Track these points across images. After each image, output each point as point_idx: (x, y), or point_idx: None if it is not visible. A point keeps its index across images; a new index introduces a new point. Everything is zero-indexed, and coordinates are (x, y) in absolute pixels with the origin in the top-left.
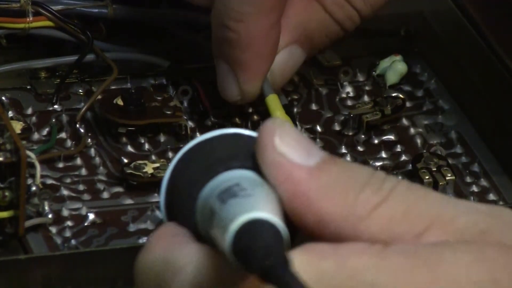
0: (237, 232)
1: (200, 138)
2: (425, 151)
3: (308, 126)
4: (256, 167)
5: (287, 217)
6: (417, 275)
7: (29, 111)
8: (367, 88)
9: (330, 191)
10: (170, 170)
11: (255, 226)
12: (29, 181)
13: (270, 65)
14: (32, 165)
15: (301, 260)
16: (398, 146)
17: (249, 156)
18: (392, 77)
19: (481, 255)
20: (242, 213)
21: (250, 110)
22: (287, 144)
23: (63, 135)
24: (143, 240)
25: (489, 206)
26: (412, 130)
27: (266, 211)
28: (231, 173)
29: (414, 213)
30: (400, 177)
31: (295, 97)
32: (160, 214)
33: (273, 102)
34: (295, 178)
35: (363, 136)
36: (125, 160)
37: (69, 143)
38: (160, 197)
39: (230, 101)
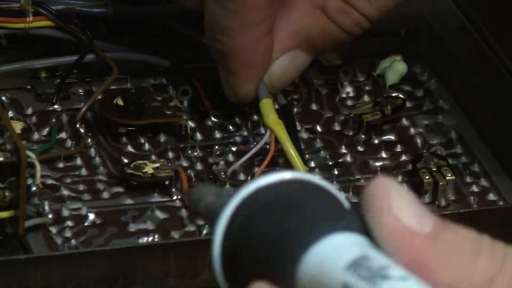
0: None
1: (258, 183)
2: (425, 151)
3: (308, 126)
4: (361, 229)
5: None
6: None
7: (29, 111)
8: (367, 88)
9: (447, 260)
10: (229, 214)
11: None
12: (29, 181)
13: (261, 71)
14: (32, 165)
15: None
16: (398, 146)
17: (346, 215)
18: (392, 77)
19: None
20: None
21: (250, 110)
22: (404, 209)
23: (63, 135)
24: (143, 240)
25: None
26: (412, 130)
27: None
28: (341, 237)
29: None
30: (400, 177)
31: (295, 97)
32: (160, 215)
33: (266, 106)
34: (415, 246)
35: (363, 136)
36: (125, 160)
37: (69, 143)
38: (214, 249)
39: (230, 100)
